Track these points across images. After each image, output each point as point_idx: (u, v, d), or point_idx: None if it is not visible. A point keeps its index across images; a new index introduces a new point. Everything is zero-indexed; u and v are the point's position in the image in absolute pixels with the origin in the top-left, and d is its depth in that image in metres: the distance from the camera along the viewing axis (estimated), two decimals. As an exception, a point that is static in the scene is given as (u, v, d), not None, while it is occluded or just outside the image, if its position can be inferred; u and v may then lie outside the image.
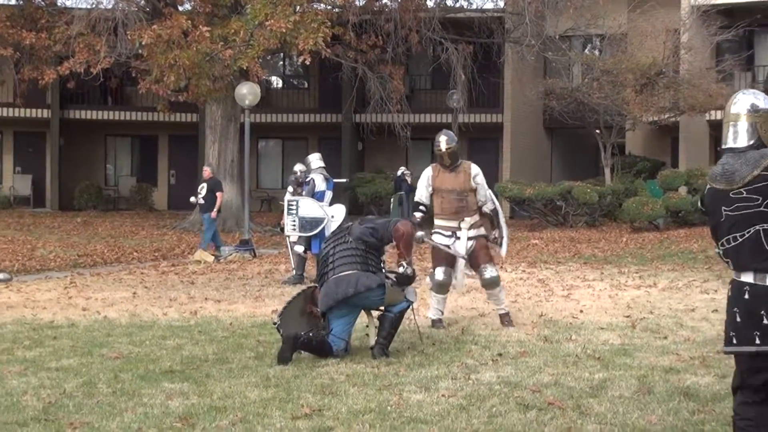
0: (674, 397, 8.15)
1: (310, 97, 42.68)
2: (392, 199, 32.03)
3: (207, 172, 23.88)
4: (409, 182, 31.96)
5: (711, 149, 36.85)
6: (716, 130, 35.81)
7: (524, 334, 11.47)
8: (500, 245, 12.27)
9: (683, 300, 14.54)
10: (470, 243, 11.96)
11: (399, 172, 32.44)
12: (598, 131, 34.81)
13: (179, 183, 42.42)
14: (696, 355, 10.05)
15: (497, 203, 12.31)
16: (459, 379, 8.92)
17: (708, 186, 5.85)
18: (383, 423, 7.38)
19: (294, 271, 17.34)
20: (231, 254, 22.29)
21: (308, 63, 28.63)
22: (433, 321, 12.12)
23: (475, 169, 12.04)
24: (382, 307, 10.12)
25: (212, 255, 22.09)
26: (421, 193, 12.30)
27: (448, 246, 11.97)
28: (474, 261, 11.99)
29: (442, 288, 12.09)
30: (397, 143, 34.91)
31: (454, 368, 9.42)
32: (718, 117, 34.64)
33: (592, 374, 9.11)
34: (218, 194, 23.09)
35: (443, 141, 11.98)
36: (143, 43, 27.37)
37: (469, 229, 11.97)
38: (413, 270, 10.36)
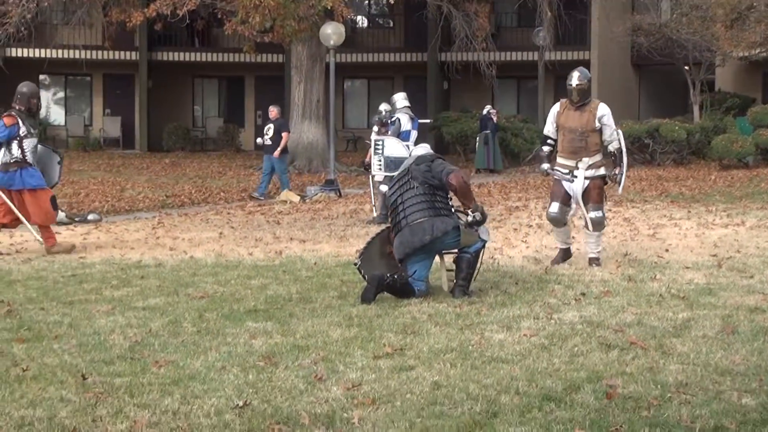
0: (759, 336, 8.06)
1: (395, 36, 42.54)
2: (477, 138, 31.85)
3: (273, 112, 23.90)
4: (495, 121, 31.76)
5: (803, 84, 36.16)
6: (809, 64, 35.09)
7: (608, 273, 11.40)
8: (619, 183, 12.15)
9: (772, 239, 14.34)
10: (586, 183, 11.92)
11: (485, 111, 32.19)
12: (686, 68, 34.30)
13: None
14: (783, 294, 9.93)
15: (623, 143, 12.09)
16: (541, 319, 8.90)
17: None
18: (464, 362, 7.40)
19: (378, 211, 17.37)
20: (317, 194, 22.42)
21: (393, 1, 28.55)
22: (560, 251, 12.32)
23: (602, 110, 11.94)
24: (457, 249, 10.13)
25: (298, 195, 22.24)
26: (548, 128, 12.41)
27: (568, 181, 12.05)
28: (585, 199, 11.98)
29: (556, 222, 12.17)
30: (482, 82, 34.72)
31: (536, 308, 9.41)
32: (811, 51, 33.94)
33: (675, 314, 9.04)
34: (284, 134, 23.13)
35: (575, 77, 12.01)
36: (229, -17, 27.44)
37: (587, 169, 11.92)
38: (482, 214, 10.26)
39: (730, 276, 11.12)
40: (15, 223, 13.81)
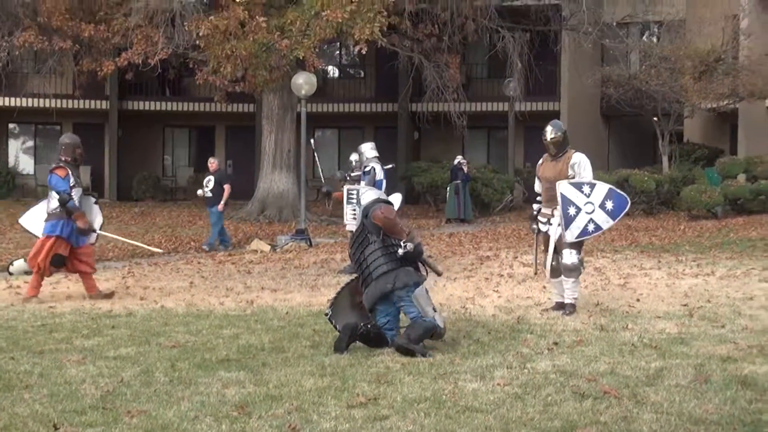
0: (731, 386, 8.09)
1: (366, 87, 42.70)
2: (448, 188, 31.96)
3: (213, 164, 23.69)
4: (466, 171, 31.88)
5: (771, 136, 36.48)
6: (776, 116, 35.45)
7: (580, 323, 11.42)
8: (564, 228, 12.14)
9: (741, 288, 14.40)
10: (560, 229, 12.02)
11: (456, 161, 32.32)
12: (655, 119, 34.57)
13: (236, 173, 42.54)
14: (754, 343, 9.97)
15: (572, 190, 12.07)
16: (514, 368, 8.90)
17: None
18: (438, 411, 7.39)
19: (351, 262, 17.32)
20: (287, 243, 22.40)
21: (364, 52, 28.68)
22: (556, 303, 12.41)
23: (576, 158, 12.12)
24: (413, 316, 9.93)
25: (269, 244, 22.21)
26: (536, 184, 12.60)
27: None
28: (558, 246, 12.09)
29: (552, 272, 12.28)
30: (453, 132, 34.84)
31: (509, 357, 9.41)
32: (778, 103, 34.31)
33: (648, 363, 9.06)
34: (225, 187, 23.01)
35: (549, 131, 12.23)
36: (200, 34, 27.51)
37: None
38: (414, 246, 10.03)
39: (702, 325, 11.16)
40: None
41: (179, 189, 42.83)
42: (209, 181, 23.14)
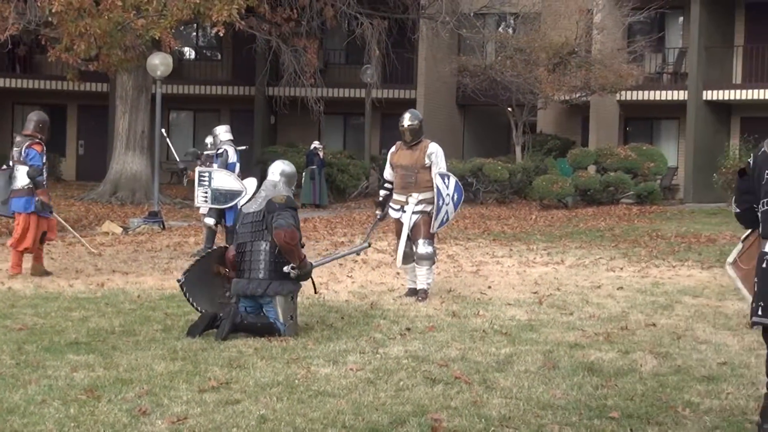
0: (578, 372, 8.27)
1: (223, 69, 42.34)
2: (304, 173, 31.92)
3: None
4: (321, 156, 31.89)
5: (620, 129, 37.34)
6: (626, 110, 36.31)
7: (432, 309, 11.54)
8: (434, 218, 12.26)
9: (589, 277, 14.73)
10: (414, 217, 12.17)
11: (312, 146, 32.30)
12: (510, 109, 35.06)
13: (88, 153, 41.92)
14: (600, 331, 10.20)
15: (442, 181, 12.19)
16: (367, 353, 8.95)
17: (761, 150, 6.39)
18: (291, 396, 7.38)
19: (203, 244, 17.19)
20: (140, 226, 22.09)
21: (222, 35, 28.35)
22: (409, 289, 12.49)
23: (432, 147, 12.28)
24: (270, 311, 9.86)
25: (121, 227, 21.88)
26: (386, 171, 12.71)
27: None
28: (414, 234, 12.21)
29: (405, 259, 12.34)
30: (310, 117, 34.79)
31: (362, 342, 9.46)
32: (628, 97, 35.15)
33: (498, 349, 9.20)
34: None
35: (407, 118, 12.37)
36: (53, 10, 26.83)
37: (417, 204, 12.18)
38: (301, 272, 9.90)
39: (551, 313, 11.38)
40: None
41: (29, 168, 41.85)
42: None
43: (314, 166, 31.41)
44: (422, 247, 12.12)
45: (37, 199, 13.84)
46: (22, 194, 13.89)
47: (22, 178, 13.85)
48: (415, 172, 12.19)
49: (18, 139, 14.25)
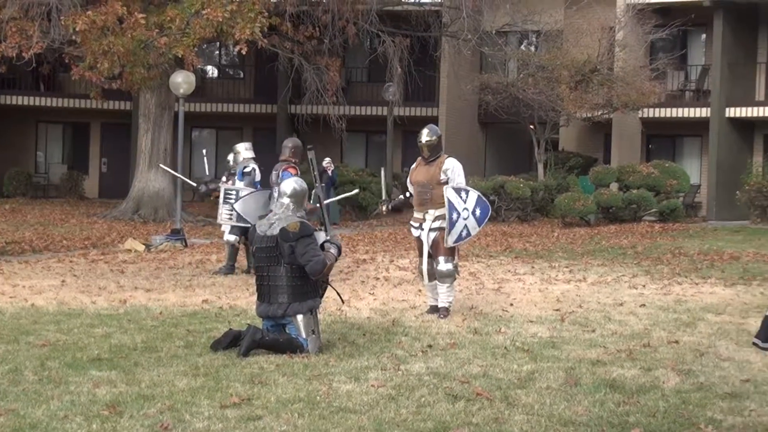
0: (600, 389, 8.24)
1: (245, 87, 42.47)
2: (313, 192, 31.48)
3: None
4: (330, 173, 31.10)
5: (643, 146, 37.29)
6: (648, 127, 36.25)
7: (454, 326, 11.52)
8: (448, 233, 12.21)
9: (612, 294, 14.68)
10: (432, 234, 12.14)
11: (324, 163, 31.88)
12: (532, 127, 35.04)
13: (110, 171, 42.08)
14: (623, 348, 10.17)
15: (457, 194, 12.10)
16: (388, 370, 8.94)
17: None
18: (312, 412, 7.38)
19: (225, 262, 17.20)
20: (162, 243, 22.14)
21: (244, 53, 28.54)
22: (430, 307, 12.47)
23: (448, 163, 12.18)
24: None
25: (143, 244, 21.94)
26: (407, 185, 12.69)
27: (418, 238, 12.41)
28: (434, 252, 12.18)
29: (426, 276, 12.33)
30: (332, 135, 34.88)
31: (383, 359, 9.45)
32: (651, 115, 35.10)
33: (520, 366, 9.18)
34: None
35: (425, 133, 12.31)
36: (77, 29, 27.07)
37: (434, 221, 12.14)
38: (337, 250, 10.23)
39: (573, 330, 11.35)
40: None
41: (52, 186, 42.01)
42: None
43: (323, 184, 30.94)
44: (442, 265, 12.09)
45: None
46: None
47: None
48: (430, 189, 12.13)
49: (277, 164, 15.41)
